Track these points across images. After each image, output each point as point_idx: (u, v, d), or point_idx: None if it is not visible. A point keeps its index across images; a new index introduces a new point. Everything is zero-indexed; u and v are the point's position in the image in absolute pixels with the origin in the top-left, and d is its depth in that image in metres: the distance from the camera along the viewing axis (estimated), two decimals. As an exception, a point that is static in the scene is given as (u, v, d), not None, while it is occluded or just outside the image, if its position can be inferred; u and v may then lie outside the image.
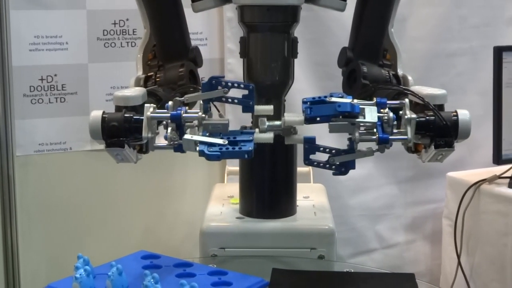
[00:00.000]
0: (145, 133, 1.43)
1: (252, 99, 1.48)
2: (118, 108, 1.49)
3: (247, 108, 1.50)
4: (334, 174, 1.48)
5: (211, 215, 1.81)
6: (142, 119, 1.43)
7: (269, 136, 1.49)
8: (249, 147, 1.42)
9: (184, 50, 1.76)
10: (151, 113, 1.43)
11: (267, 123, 1.49)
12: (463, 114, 1.51)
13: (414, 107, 1.47)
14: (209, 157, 1.41)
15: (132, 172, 2.39)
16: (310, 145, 1.49)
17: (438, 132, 1.45)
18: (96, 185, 2.35)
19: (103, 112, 1.46)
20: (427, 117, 1.45)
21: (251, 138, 1.46)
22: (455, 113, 1.49)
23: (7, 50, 2.15)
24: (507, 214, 2.33)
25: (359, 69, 1.67)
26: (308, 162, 1.49)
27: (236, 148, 1.42)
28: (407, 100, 1.42)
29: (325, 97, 1.48)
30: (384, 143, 1.41)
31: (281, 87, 1.80)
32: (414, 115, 1.41)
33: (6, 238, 2.22)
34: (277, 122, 1.51)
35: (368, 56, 1.69)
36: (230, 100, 1.48)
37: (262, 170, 1.80)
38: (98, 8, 2.23)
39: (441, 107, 1.52)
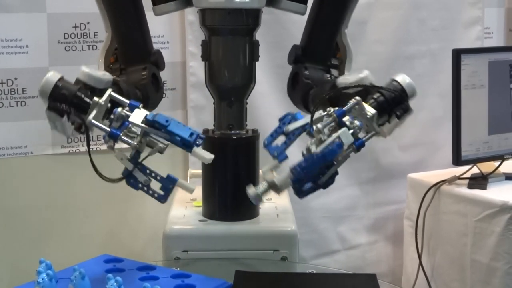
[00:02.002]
0: (88, 117, 1.42)
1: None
2: (77, 82, 1.48)
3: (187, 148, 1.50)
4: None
5: (174, 218, 1.82)
6: (91, 103, 1.42)
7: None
8: (163, 198, 1.51)
9: (146, 54, 1.75)
10: (103, 102, 1.41)
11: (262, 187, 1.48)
12: (402, 77, 1.53)
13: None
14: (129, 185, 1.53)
15: (94, 176, 2.37)
16: (300, 184, 1.48)
17: (393, 104, 1.48)
18: (58, 189, 2.34)
19: (61, 78, 1.45)
20: (377, 99, 1.47)
21: (170, 186, 1.52)
22: (395, 81, 1.51)
23: (-34, 53, 2.14)
24: (466, 215, 2.36)
25: (301, 72, 1.68)
26: (302, 196, 1.50)
27: (150, 192, 1.53)
28: (358, 98, 1.42)
29: (280, 128, 1.51)
30: (361, 147, 1.42)
31: (243, 89, 1.81)
32: (373, 110, 1.43)
33: (-33, 243, 2.21)
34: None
35: (317, 57, 1.69)
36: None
37: (225, 173, 1.81)
38: (59, 11, 2.22)
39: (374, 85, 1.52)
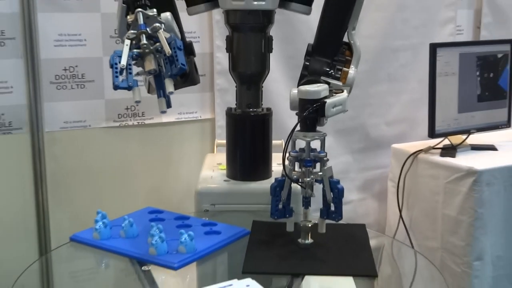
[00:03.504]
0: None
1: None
2: None
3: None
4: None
5: (204, 179, 1.83)
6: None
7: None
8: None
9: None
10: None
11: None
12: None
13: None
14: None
15: (140, 144, 2.40)
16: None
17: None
18: (111, 155, 2.35)
19: None
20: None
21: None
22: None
23: (36, 46, 2.14)
24: (438, 177, 2.36)
25: (304, 64, 1.66)
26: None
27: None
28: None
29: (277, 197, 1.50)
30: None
31: (259, 76, 1.81)
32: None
33: (38, 199, 2.22)
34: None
35: (324, 52, 1.66)
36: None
37: (244, 143, 1.82)
38: (110, 11, 2.21)
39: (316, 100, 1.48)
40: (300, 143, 1.47)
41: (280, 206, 1.49)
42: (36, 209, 2.23)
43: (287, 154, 1.45)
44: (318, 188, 1.50)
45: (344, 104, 1.53)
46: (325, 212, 1.48)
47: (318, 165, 1.47)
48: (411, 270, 1.60)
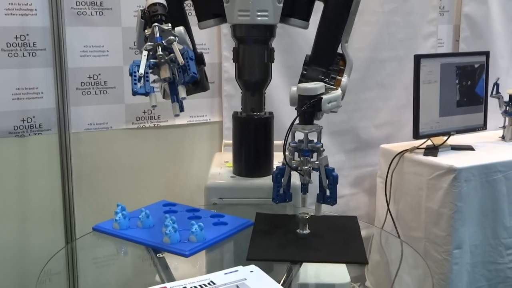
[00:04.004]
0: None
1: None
2: None
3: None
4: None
5: (213, 175, 1.82)
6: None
7: None
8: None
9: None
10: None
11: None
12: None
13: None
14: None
15: (156, 144, 2.38)
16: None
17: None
18: (129, 153, 2.34)
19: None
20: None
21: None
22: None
23: (64, 56, 2.13)
24: (422, 174, 2.35)
25: (302, 72, 1.65)
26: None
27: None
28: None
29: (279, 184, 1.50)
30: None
31: (263, 83, 1.80)
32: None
33: (64, 192, 2.21)
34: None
35: (319, 62, 1.65)
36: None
37: (249, 143, 1.81)
38: (130, 25, 2.21)
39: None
40: (299, 135, 1.48)
41: (281, 192, 1.50)
42: (63, 202, 2.21)
43: (287, 145, 1.45)
44: (315, 183, 1.49)
45: (338, 100, 1.53)
46: (321, 197, 1.48)
47: (315, 155, 1.48)
48: (398, 258, 1.60)
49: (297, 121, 1.47)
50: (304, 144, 1.46)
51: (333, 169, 1.46)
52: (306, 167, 1.45)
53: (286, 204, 1.66)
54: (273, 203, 1.53)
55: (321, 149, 1.47)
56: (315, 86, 1.47)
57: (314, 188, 1.50)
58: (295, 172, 1.48)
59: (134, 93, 1.35)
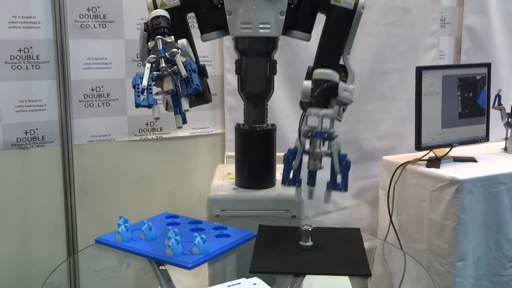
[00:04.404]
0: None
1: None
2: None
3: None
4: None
5: (215, 187, 1.82)
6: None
7: None
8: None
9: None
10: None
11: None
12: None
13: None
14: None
15: (158, 156, 2.39)
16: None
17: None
18: (132, 165, 2.34)
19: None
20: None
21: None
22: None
23: (67, 69, 2.14)
24: (424, 186, 2.35)
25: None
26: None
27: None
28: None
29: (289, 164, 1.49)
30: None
31: (265, 95, 1.80)
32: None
33: (67, 204, 2.21)
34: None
35: None
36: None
37: (251, 155, 1.81)
38: (133, 38, 2.22)
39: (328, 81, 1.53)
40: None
41: (291, 176, 1.49)
42: (65, 214, 2.21)
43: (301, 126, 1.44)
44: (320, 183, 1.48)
45: (352, 94, 1.53)
46: (332, 184, 1.46)
47: (326, 144, 1.47)
48: (401, 270, 1.59)
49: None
50: (319, 127, 1.44)
51: (346, 155, 1.43)
52: (318, 150, 1.41)
53: (289, 217, 1.66)
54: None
55: (334, 134, 1.45)
56: (332, 72, 1.49)
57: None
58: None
59: (137, 105, 1.36)
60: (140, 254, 1.43)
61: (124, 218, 1.53)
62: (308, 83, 1.50)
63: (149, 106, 1.36)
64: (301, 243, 1.47)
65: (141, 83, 1.35)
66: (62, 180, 2.20)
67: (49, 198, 2.20)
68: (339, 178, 1.44)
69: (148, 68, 1.38)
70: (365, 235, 1.60)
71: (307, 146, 1.47)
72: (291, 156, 1.47)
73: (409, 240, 2.43)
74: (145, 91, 1.35)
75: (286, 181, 1.48)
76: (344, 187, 1.44)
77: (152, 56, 1.39)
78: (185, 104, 1.40)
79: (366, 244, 1.53)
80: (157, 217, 1.67)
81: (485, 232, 2.32)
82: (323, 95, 1.45)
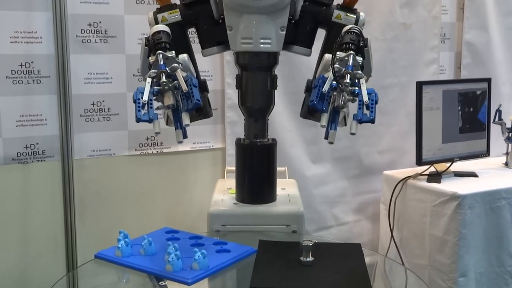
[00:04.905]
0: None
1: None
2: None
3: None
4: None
5: (215, 202, 1.81)
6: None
7: None
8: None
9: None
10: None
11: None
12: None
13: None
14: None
15: (158, 171, 2.38)
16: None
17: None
18: (132, 180, 2.34)
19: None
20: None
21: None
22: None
23: (68, 83, 2.14)
24: (425, 201, 2.34)
25: (305, 97, 1.66)
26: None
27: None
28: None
29: (319, 90, 1.48)
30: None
31: (265, 110, 1.80)
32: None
33: (67, 218, 2.20)
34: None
35: None
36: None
37: (252, 169, 1.80)
38: (134, 53, 2.23)
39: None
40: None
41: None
42: (65, 229, 2.21)
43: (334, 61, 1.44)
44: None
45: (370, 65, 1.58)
46: (359, 114, 1.44)
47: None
48: (402, 286, 1.58)
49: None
50: (350, 60, 1.43)
51: (373, 89, 1.44)
52: (347, 81, 1.39)
53: (290, 232, 1.65)
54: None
55: (361, 73, 1.45)
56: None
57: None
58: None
59: (138, 119, 1.36)
60: (140, 270, 1.43)
61: (124, 233, 1.52)
62: (328, 55, 1.51)
63: (150, 120, 1.37)
64: (301, 258, 1.46)
65: (142, 98, 1.35)
66: (62, 195, 2.19)
67: (49, 213, 2.19)
68: (366, 111, 1.43)
69: (149, 83, 1.38)
70: (366, 250, 1.58)
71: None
72: (321, 80, 1.47)
73: (411, 256, 2.42)
74: (146, 105, 1.36)
75: (314, 100, 1.47)
76: (371, 116, 1.44)
77: (153, 71, 1.40)
78: (185, 119, 1.40)
79: (367, 260, 1.52)
80: (157, 232, 1.66)
81: (487, 247, 2.30)
82: (354, 42, 1.49)
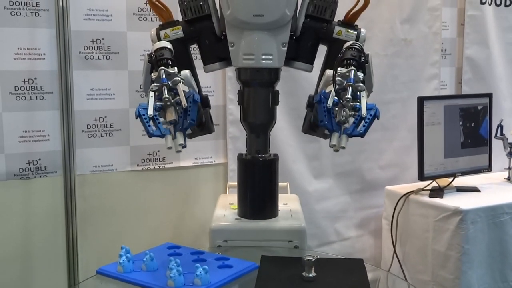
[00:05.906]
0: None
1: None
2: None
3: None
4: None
5: (217, 217, 1.81)
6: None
7: None
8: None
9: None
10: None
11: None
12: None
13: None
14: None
15: (160, 186, 2.38)
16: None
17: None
18: (134, 195, 2.34)
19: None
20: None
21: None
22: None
23: (71, 99, 2.15)
24: (428, 216, 2.34)
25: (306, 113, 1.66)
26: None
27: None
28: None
29: (324, 106, 1.46)
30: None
31: (267, 125, 1.80)
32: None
33: (69, 234, 2.20)
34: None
35: None
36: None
37: (254, 185, 1.80)
38: (136, 69, 2.24)
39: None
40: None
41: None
42: (67, 244, 2.20)
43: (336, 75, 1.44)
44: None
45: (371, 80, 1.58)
46: (350, 128, 1.42)
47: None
48: (405, 301, 1.57)
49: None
50: (351, 74, 1.43)
51: (374, 104, 1.43)
52: (349, 97, 1.38)
53: (292, 248, 1.65)
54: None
55: (363, 86, 1.44)
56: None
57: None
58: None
59: (151, 135, 1.37)
60: (141, 285, 1.42)
61: (126, 248, 1.52)
62: (330, 71, 1.51)
63: (162, 136, 1.38)
64: (304, 274, 1.45)
65: (147, 113, 1.36)
66: (64, 210, 2.19)
67: (50, 228, 2.19)
68: (359, 127, 1.41)
69: (152, 97, 1.39)
70: (368, 265, 1.58)
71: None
72: (323, 96, 1.46)
73: (413, 271, 2.41)
74: (152, 120, 1.37)
75: (326, 123, 1.44)
76: (361, 131, 1.41)
77: (155, 84, 1.41)
78: (180, 138, 1.40)
79: (369, 275, 1.51)
80: (159, 248, 1.66)
81: (490, 262, 2.29)
82: (356, 58, 1.49)
